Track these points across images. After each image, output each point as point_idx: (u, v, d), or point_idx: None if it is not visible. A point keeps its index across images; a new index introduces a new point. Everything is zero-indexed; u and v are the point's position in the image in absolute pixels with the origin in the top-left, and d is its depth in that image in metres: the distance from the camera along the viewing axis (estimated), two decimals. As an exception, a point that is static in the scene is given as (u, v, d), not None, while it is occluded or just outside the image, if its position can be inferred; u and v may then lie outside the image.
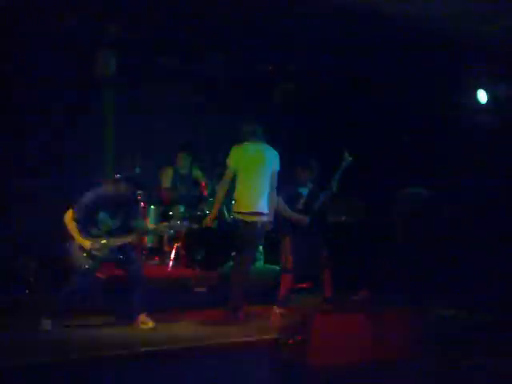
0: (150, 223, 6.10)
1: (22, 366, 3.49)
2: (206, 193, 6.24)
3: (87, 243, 4.31)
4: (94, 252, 4.31)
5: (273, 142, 5.14)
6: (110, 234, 4.42)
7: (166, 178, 6.38)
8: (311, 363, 3.99)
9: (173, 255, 5.74)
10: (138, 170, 6.00)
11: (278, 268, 6.21)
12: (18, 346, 3.83)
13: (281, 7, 5.33)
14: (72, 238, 4.31)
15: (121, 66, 6.35)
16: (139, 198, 6.07)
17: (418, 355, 4.17)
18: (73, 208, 4.33)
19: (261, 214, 4.87)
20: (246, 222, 4.85)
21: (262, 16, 5.61)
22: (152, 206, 6.15)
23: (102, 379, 3.59)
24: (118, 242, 4.42)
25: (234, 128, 7.04)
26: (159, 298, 5.08)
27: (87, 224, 4.36)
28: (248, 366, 4.02)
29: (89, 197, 4.36)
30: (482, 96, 6.24)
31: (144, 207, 6.10)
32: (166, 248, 5.96)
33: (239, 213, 4.90)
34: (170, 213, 6.21)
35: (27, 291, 4.86)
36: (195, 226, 5.75)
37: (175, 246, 5.78)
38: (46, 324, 4.26)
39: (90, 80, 6.28)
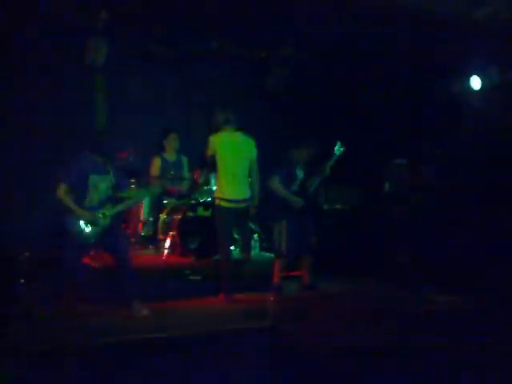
0: (144, 211, 6.12)
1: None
2: (199, 181, 6.21)
3: (86, 213, 4.37)
4: (92, 223, 4.38)
5: (266, 128, 5.15)
6: (100, 205, 4.47)
7: (154, 167, 6.36)
8: (304, 349, 4.01)
9: (167, 244, 5.73)
10: (131, 159, 5.96)
11: (273, 256, 6.24)
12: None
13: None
14: (70, 211, 4.36)
15: (112, 53, 6.29)
16: (133, 186, 6.10)
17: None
18: (61, 183, 4.38)
19: (239, 200, 5.01)
20: (225, 208, 5.01)
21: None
22: (146, 195, 6.13)
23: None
24: (112, 210, 4.48)
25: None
26: (154, 286, 5.10)
27: (79, 194, 4.41)
28: (242, 352, 4.04)
29: (73, 167, 4.46)
30: (476, 82, 6.23)
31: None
32: (161, 237, 5.95)
33: (219, 199, 5.05)
34: (165, 201, 6.21)
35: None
36: (190, 214, 5.78)
37: (170, 235, 5.77)
38: None
39: (81, 67, 6.23)
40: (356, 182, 6.53)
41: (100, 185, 4.46)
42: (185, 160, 6.51)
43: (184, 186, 6.32)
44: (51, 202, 4.53)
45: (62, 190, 4.37)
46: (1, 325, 3.95)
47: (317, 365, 3.76)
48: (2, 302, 4.36)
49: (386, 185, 6.31)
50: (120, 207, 4.57)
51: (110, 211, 4.47)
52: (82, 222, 4.38)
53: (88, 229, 4.38)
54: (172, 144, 6.37)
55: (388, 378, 3.53)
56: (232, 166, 5.06)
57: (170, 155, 6.41)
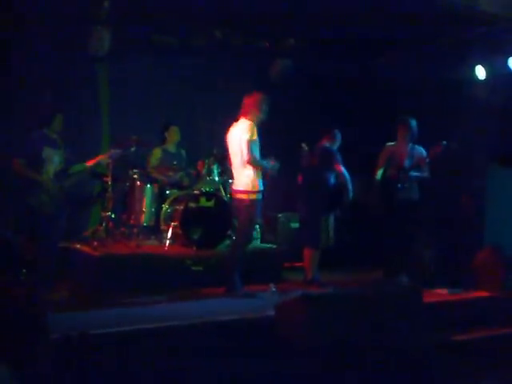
0: (147, 201, 6.10)
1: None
2: (202, 172, 6.19)
3: (46, 179, 4.53)
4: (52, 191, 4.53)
5: (269, 119, 5.10)
6: (56, 178, 4.62)
7: (154, 158, 6.35)
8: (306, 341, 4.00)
9: (169, 234, 5.72)
10: (133, 149, 5.95)
11: (274, 247, 6.24)
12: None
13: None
14: (30, 184, 4.50)
15: (114, 44, 6.26)
16: (136, 177, 6.09)
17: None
18: (17, 158, 4.54)
19: (237, 191, 4.99)
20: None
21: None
22: (148, 185, 6.12)
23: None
24: (67, 182, 4.68)
25: (231, 107, 7.04)
26: (156, 277, 5.11)
27: (35, 167, 4.55)
28: (244, 343, 4.04)
29: (27, 141, 4.64)
30: (481, 72, 6.18)
31: (141, 187, 6.08)
32: (163, 227, 5.94)
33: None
34: (167, 192, 6.20)
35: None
36: (192, 204, 5.76)
37: (172, 225, 5.76)
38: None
39: (84, 56, 6.20)
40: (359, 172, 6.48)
41: (53, 157, 4.63)
42: (183, 153, 6.53)
43: (184, 178, 6.32)
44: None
45: (18, 165, 4.54)
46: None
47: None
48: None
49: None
50: (73, 179, 4.74)
51: (65, 183, 4.65)
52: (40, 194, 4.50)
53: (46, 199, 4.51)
54: (173, 136, 6.41)
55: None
56: (232, 156, 5.07)
57: (171, 147, 6.42)
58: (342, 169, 5.48)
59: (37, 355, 2.91)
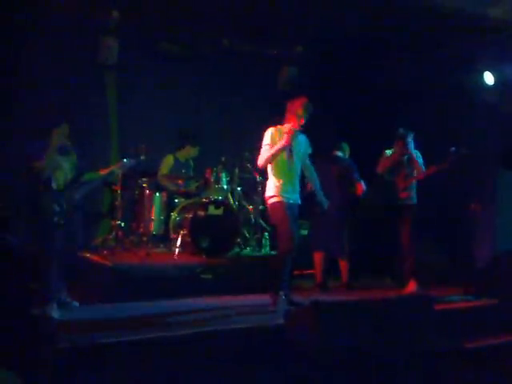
0: (156, 210, 6.11)
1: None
2: (211, 180, 6.21)
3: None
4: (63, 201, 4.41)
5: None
6: (66, 187, 4.50)
7: (166, 165, 6.38)
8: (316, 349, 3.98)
9: (179, 242, 5.73)
10: (142, 158, 5.97)
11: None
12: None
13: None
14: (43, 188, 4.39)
15: (124, 53, 6.31)
16: (145, 186, 6.11)
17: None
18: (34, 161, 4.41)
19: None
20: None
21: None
22: (157, 194, 6.14)
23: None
24: (81, 190, 4.58)
25: (240, 115, 7.06)
26: (165, 285, 5.10)
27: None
28: (254, 352, 4.02)
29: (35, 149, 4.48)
30: (489, 78, 6.16)
31: (150, 195, 6.10)
32: (172, 235, 5.95)
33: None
34: (176, 200, 6.21)
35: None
36: (201, 212, 5.77)
37: (181, 234, 5.76)
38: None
39: (93, 67, 6.25)
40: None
41: (64, 165, 4.53)
42: (191, 162, 6.58)
43: (192, 186, 6.34)
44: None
45: (40, 164, 4.38)
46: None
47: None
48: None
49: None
50: (85, 188, 4.62)
51: (77, 192, 4.53)
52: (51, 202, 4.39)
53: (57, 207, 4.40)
54: (190, 151, 6.50)
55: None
56: None
57: (182, 157, 6.50)
58: (361, 182, 5.68)
59: (40, 362, 2.90)
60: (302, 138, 4.87)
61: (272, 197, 4.75)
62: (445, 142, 5.64)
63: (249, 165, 6.50)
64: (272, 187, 4.76)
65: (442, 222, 6.19)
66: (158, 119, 6.69)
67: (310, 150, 4.91)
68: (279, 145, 4.67)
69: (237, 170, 6.43)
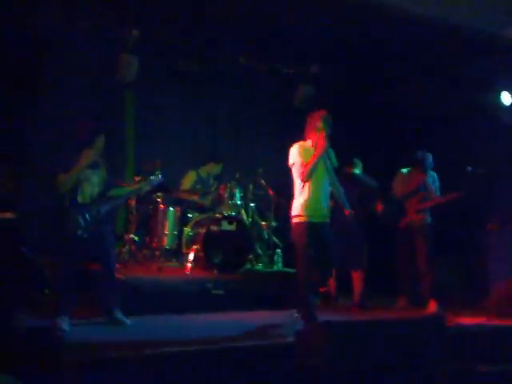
0: (169, 224, 6.14)
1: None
2: (225, 195, 6.23)
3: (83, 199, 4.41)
4: (88, 214, 4.39)
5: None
6: (92, 201, 4.47)
7: (188, 181, 6.42)
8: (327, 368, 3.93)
9: (191, 257, 5.74)
10: (158, 173, 6.02)
11: (295, 271, 6.18)
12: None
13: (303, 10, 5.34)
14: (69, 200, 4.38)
15: (143, 70, 6.41)
16: (159, 200, 6.16)
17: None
18: (60, 173, 4.40)
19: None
20: None
21: (285, 18, 5.63)
22: (171, 209, 6.18)
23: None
24: (108, 206, 4.53)
25: (255, 132, 7.11)
26: (177, 300, 5.11)
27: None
28: (264, 370, 3.98)
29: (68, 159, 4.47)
30: (507, 98, 6.14)
31: (163, 210, 6.14)
32: (185, 250, 5.97)
33: None
34: (189, 215, 6.24)
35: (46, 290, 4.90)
36: (214, 227, 5.78)
37: (194, 249, 5.78)
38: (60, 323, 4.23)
39: (112, 84, 6.35)
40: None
41: (92, 178, 4.50)
42: (211, 179, 6.62)
43: (207, 201, 6.36)
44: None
45: (61, 178, 4.37)
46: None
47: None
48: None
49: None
50: (111, 203, 4.58)
51: (103, 206, 4.48)
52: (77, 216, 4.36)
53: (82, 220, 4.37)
54: (211, 169, 6.54)
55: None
56: None
57: (204, 173, 6.55)
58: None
59: (43, 372, 2.91)
60: (329, 152, 4.68)
61: (295, 216, 4.60)
62: (461, 162, 5.62)
63: (263, 181, 6.52)
64: (296, 206, 4.59)
65: (457, 243, 6.13)
66: (174, 136, 6.75)
67: (336, 164, 4.74)
68: (316, 154, 4.51)
69: (251, 186, 6.45)
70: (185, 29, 6.06)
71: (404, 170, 5.75)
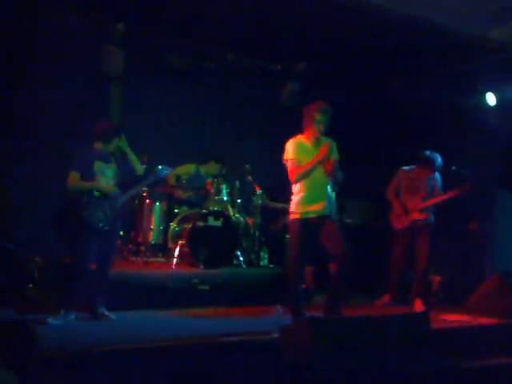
0: (155, 219, 6.12)
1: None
2: (211, 191, 6.22)
3: (104, 186, 4.44)
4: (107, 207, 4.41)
5: (280, 142, 5.09)
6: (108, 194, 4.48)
7: (184, 172, 6.37)
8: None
9: (177, 253, 5.73)
10: (144, 167, 5.98)
11: (280, 268, 6.21)
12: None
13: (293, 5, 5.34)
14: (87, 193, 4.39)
15: (128, 64, 6.36)
16: (144, 195, 6.14)
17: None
18: (70, 171, 4.42)
19: None
20: None
21: (273, 13, 5.63)
22: (157, 203, 6.16)
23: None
24: (124, 197, 4.58)
25: (243, 128, 7.10)
26: (162, 295, 5.10)
27: (89, 178, 4.44)
28: (250, 366, 3.99)
29: (76, 155, 4.50)
30: (492, 99, 6.21)
31: (150, 204, 6.11)
32: (171, 245, 5.95)
33: None
34: (176, 210, 6.22)
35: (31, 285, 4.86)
36: (200, 223, 5.77)
37: (179, 244, 5.77)
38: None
39: (97, 78, 6.29)
40: (371, 195, 6.49)
41: (106, 171, 4.52)
42: (210, 178, 6.58)
43: (186, 194, 6.34)
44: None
45: (73, 177, 4.40)
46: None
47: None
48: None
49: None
50: (127, 195, 4.64)
51: (119, 198, 4.52)
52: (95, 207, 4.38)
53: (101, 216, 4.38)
54: (211, 168, 6.43)
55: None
56: None
57: (203, 171, 6.50)
58: None
59: (26, 366, 2.90)
60: (332, 145, 4.50)
61: (291, 213, 4.57)
62: (445, 162, 5.67)
63: (250, 177, 6.52)
64: (293, 202, 4.55)
65: (443, 241, 6.20)
66: (161, 131, 6.71)
67: (337, 157, 4.55)
68: (314, 159, 4.39)
69: (237, 183, 6.45)
70: (172, 24, 6.03)
71: (406, 168, 5.76)
